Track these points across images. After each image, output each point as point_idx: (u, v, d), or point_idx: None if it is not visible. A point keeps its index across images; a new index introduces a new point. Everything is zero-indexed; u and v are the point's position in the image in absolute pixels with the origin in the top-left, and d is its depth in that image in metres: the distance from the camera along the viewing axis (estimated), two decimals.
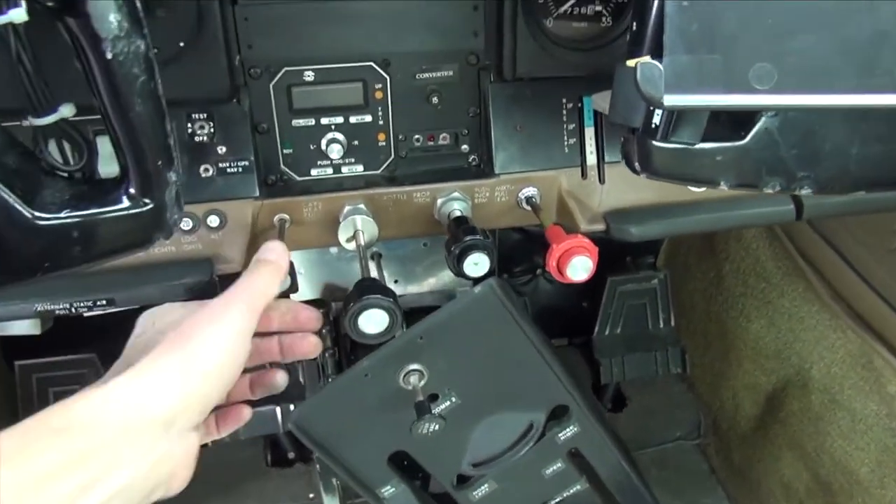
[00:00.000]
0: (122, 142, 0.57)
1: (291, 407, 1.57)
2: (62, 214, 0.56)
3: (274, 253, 0.71)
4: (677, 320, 1.89)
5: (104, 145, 0.70)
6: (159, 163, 0.58)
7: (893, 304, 1.32)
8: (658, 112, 0.60)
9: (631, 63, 0.56)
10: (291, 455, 1.86)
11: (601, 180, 0.99)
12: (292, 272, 0.78)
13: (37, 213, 0.55)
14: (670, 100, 0.52)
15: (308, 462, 1.85)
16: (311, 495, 1.80)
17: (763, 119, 0.62)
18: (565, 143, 0.98)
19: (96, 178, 0.66)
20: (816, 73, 0.52)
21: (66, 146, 0.64)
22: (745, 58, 0.52)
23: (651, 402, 2.05)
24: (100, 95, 0.55)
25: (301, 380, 1.51)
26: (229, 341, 0.60)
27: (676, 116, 0.60)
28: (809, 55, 0.52)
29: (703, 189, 1.02)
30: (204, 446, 1.89)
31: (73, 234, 0.57)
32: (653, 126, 0.61)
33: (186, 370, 0.57)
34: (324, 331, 1.27)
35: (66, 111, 0.61)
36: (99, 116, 0.59)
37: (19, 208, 0.54)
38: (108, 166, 0.79)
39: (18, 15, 0.53)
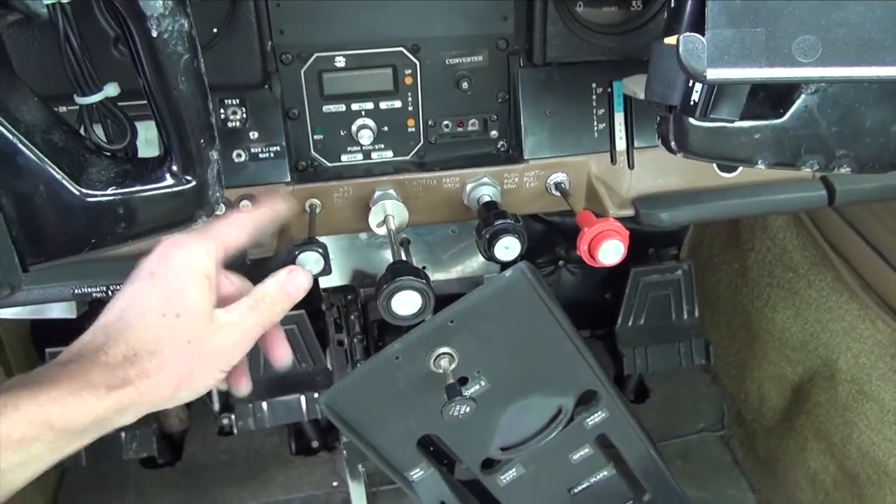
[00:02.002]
0: (166, 120, 0.58)
1: (316, 396, 1.58)
2: (108, 191, 0.57)
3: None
4: (701, 311, 1.88)
5: (140, 131, 0.72)
6: (202, 141, 0.59)
7: None
8: (697, 89, 0.60)
9: (671, 40, 0.56)
10: (315, 444, 1.88)
11: (630, 166, 0.99)
12: (325, 254, 0.79)
13: (84, 190, 0.56)
14: (713, 73, 0.52)
15: (332, 450, 1.87)
16: (335, 483, 1.81)
17: (803, 96, 0.61)
18: (595, 128, 0.98)
19: (139, 157, 0.67)
20: (861, 45, 0.51)
21: (110, 127, 0.65)
22: (788, 31, 0.51)
23: (674, 393, 2.04)
24: (144, 74, 0.56)
25: (329, 366, 1.52)
26: None
27: (716, 93, 0.59)
28: (854, 27, 0.51)
29: (732, 175, 1.01)
30: (229, 434, 1.90)
31: (119, 211, 0.58)
32: (691, 103, 0.61)
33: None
34: (352, 317, 1.28)
35: (111, 90, 0.62)
36: (137, 103, 0.60)
37: (68, 185, 0.55)
38: (144, 152, 0.80)
39: None
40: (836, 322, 1.53)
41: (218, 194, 0.62)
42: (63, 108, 0.80)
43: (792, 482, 1.71)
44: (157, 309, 0.65)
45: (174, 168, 0.59)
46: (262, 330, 0.72)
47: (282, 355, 0.78)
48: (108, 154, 0.62)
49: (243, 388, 0.78)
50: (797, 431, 1.68)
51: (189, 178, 0.60)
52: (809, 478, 1.65)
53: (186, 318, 0.65)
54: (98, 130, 0.64)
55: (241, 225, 0.73)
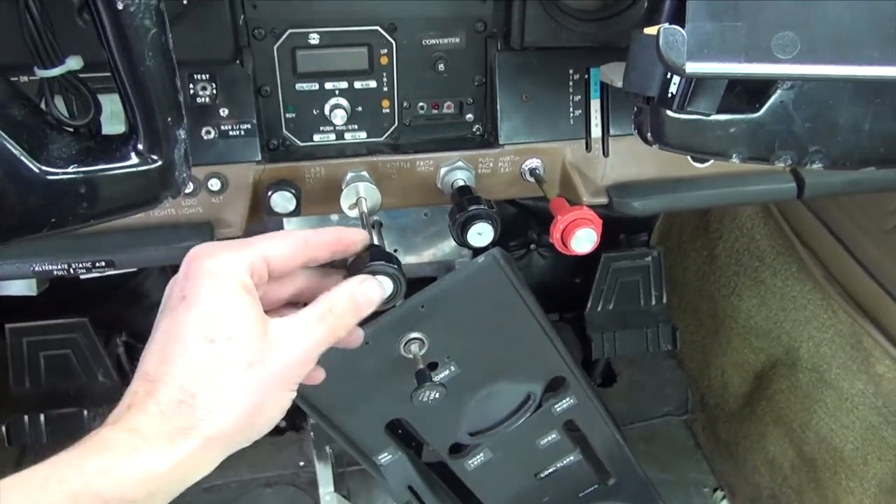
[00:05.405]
0: (132, 97, 0.56)
1: None
2: (70, 169, 0.55)
3: None
4: (669, 298, 1.90)
5: (105, 104, 0.69)
6: (168, 119, 0.57)
7: (885, 284, 1.34)
8: (675, 81, 0.60)
9: (651, 30, 0.55)
10: (282, 423, 1.87)
11: (605, 153, 0.99)
12: (298, 196, 0.79)
13: (44, 168, 0.54)
14: (692, 67, 0.52)
15: (299, 431, 1.86)
16: (302, 463, 1.81)
17: (778, 92, 0.61)
18: (571, 114, 0.97)
19: (103, 134, 0.64)
20: (839, 43, 0.52)
21: (72, 101, 0.62)
22: (768, 26, 0.51)
23: (640, 377, 2.07)
24: (110, 48, 0.54)
25: None
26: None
27: (694, 86, 0.59)
28: (833, 25, 0.51)
29: (705, 165, 1.02)
30: None
31: (81, 190, 0.56)
32: (669, 95, 0.60)
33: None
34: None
35: (74, 63, 0.60)
36: (102, 75, 0.57)
37: (26, 162, 0.53)
38: (110, 126, 0.78)
39: None
40: (800, 311, 1.57)
41: (185, 175, 0.60)
42: (24, 79, 0.78)
43: (751, 466, 1.75)
44: (202, 335, 0.56)
45: (139, 147, 0.58)
46: (329, 343, 0.64)
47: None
48: (71, 130, 0.60)
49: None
50: (758, 417, 1.72)
51: (155, 157, 0.58)
52: (768, 462, 1.69)
53: (240, 340, 0.56)
54: (60, 105, 0.61)
55: (289, 241, 0.64)
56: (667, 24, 0.53)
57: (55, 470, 0.50)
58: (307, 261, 0.66)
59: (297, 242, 0.64)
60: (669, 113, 0.62)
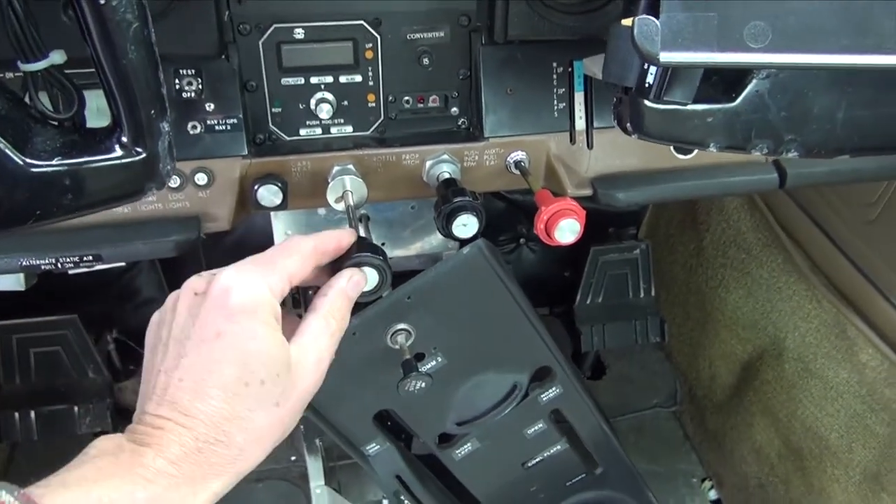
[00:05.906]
0: (115, 90, 0.57)
1: None
2: (54, 162, 0.56)
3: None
4: (657, 290, 1.92)
5: (90, 99, 0.70)
6: (152, 112, 0.58)
7: (869, 274, 1.36)
8: (652, 71, 0.61)
9: (627, 22, 0.56)
10: None
11: (589, 146, 1.00)
12: (285, 189, 0.80)
13: (28, 160, 0.54)
14: (666, 56, 0.53)
15: None
16: (293, 458, 1.82)
17: (754, 81, 0.62)
18: (555, 107, 0.98)
19: (87, 127, 0.65)
20: (810, 32, 0.53)
21: (56, 95, 0.63)
22: (740, 16, 0.52)
23: (629, 370, 2.09)
24: (92, 42, 0.54)
25: None
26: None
27: (670, 76, 0.60)
28: (804, 14, 0.52)
29: (688, 157, 1.03)
30: None
31: (65, 182, 0.56)
32: (646, 85, 0.61)
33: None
34: (310, 292, 1.27)
35: (57, 57, 0.60)
36: (85, 71, 0.58)
37: (10, 154, 0.54)
38: (96, 122, 0.78)
39: None
40: (785, 302, 1.58)
41: (169, 167, 0.61)
42: (10, 75, 0.78)
43: (739, 456, 1.77)
44: (239, 378, 0.58)
45: (123, 139, 0.58)
46: (335, 347, 0.68)
47: None
48: (55, 123, 0.60)
49: None
50: (745, 407, 1.74)
51: (139, 149, 0.59)
52: (755, 452, 1.71)
53: (270, 383, 0.60)
54: (44, 98, 0.62)
55: (304, 255, 0.67)
56: (642, 15, 0.54)
57: (107, 491, 0.53)
58: (315, 266, 0.70)
59: (309, 254, 0.67)
60: (647, 103, 0.63)
